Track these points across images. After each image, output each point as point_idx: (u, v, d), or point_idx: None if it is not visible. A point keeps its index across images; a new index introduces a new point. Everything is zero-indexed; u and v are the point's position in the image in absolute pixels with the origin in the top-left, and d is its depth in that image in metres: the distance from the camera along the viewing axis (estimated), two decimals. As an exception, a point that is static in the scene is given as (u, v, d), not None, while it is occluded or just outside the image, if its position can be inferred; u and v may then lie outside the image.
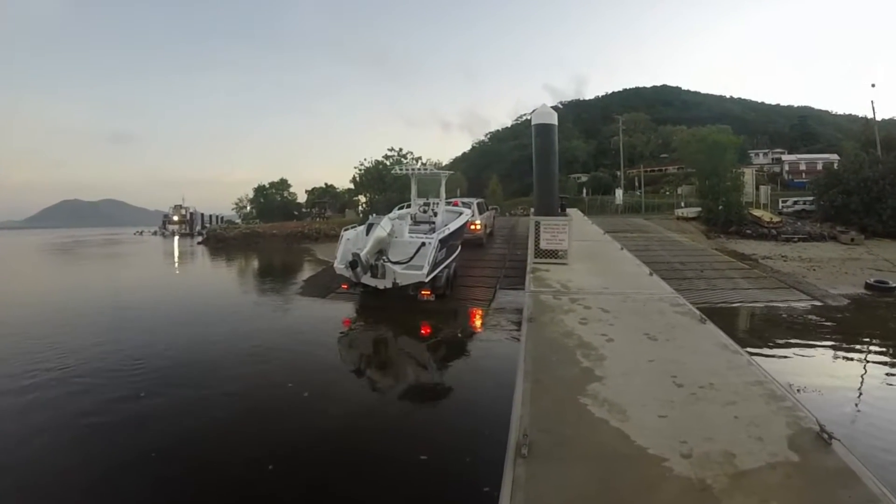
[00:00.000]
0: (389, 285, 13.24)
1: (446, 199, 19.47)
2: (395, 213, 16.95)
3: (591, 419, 3.84)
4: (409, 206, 18.46)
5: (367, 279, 13.24)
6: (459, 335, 11.99)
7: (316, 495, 5.55)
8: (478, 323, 13.05)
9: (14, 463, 6.11)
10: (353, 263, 12.57)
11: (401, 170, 19.81)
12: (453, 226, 15.93)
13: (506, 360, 8.70)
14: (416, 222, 16.88)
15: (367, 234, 13.54)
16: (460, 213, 18.16)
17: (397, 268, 13.27)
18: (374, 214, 14.57)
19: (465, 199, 23.83)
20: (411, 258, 13.56)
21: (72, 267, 35.28)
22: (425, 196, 19.41)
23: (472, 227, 20.74)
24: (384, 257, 13.39)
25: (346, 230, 14.89)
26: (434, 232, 14.91)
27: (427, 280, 13.24)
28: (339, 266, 13.59)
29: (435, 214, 17.52)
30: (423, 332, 12.04)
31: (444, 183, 18.35)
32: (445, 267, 14.92)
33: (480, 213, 22.76)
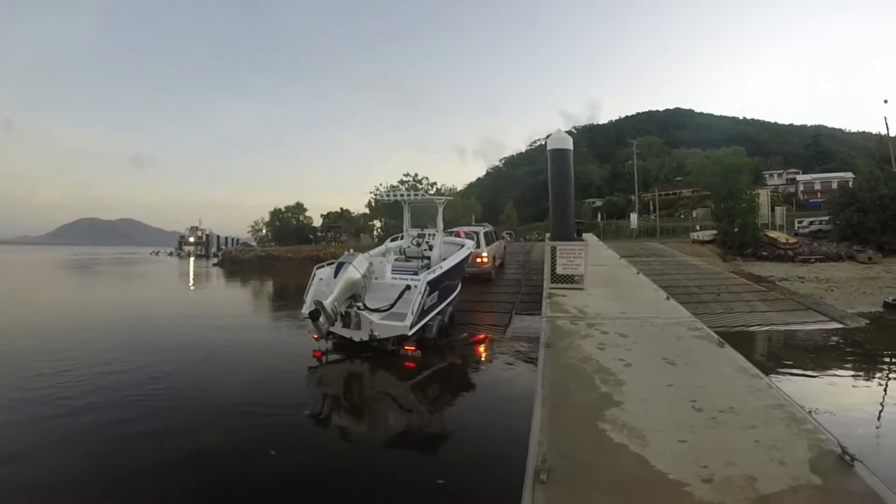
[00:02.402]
0: (366, 337, 10.83)
1: (452, 227, 18.93)
2: (383, 247, 15.27)
3: (609, 444, 3.84)
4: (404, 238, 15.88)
5: (339, 329, 10.95)
6: (475, 360, 11.87)
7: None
8: (493, 348, 12.62)
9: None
10: (315, 314, 10.00)
11: (388, 196, 16.28)
12: (449, 263, 13.31)
13: (523, 386, 8.69)
14: (407, 258, 14.75)
15: (336, 275, 10.93)
16: (462, 246, 15.43)
17: (374, 317, 10.94)
18: (352, 251, 12.23)
19: (470, 228, 21.27)
20: (393, 305, 11.26)
21: (94, 285, 35.76)
22: (423, 226, 16.14)
23: (479, 259, 18.69)
24: (359, 303, 11.03)
25: (319, 267, 12.32)
26: (429, 269, 12.93)
27: (411, 333, 10.87)
28: (306, 313, 10.66)
29: (430, 248, 14.88)
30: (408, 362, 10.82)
31: (441, 211, 15.24)
32: (438, 313, 12.52)
33: (488, 242, 20.36)
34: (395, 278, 12.54)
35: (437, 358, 11.27)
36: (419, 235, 15.42)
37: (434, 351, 11.53)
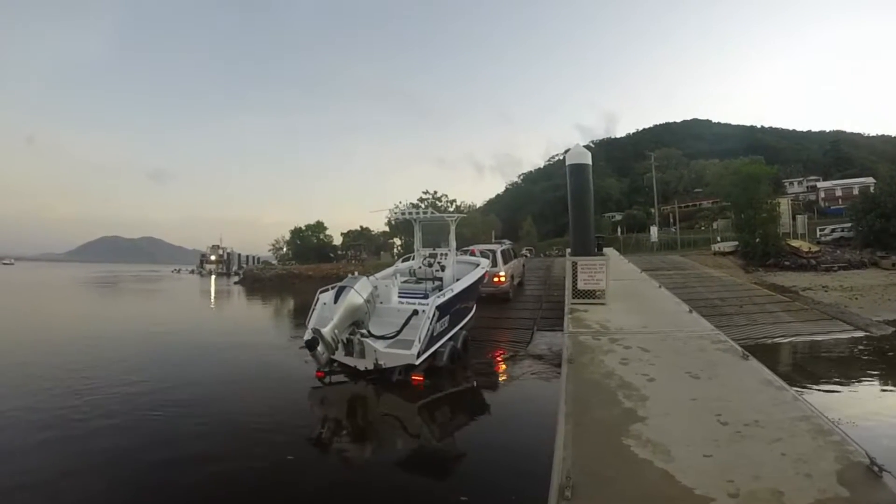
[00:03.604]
0: (371, 366, 10.13)
1: (472, 245, 18.44)
2: (392, 268, 14.69)
3: (634, 460, 3.83)
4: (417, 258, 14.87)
5: (342, 357, 10.33)
6: (496, 377, 11.80)
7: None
8: (514, 364, 12.44)
9: None
10: (312, 342, 9.29)
11: (399, 215, 15.24)
12: (461, 284, 12.60)
13: (545, 402, 8.65)
14: (417, 279, 13.81)
15: (336, 301, 10.13)
16: (476, 265, 14.59)
17: (379, 344, 10.23)
18: (355, 273, 11.50)
19: (486, 247, 20.31)
20: (399, 331, 10.60)
21: (118, 303, 36.33)
22: (438, 244, 15.10)
23: (497, 279, 18.23)
24: (362, 330, 10.35)
25: (322, 291, 11.38)
26: (441, 290, 12.28)
27: (419, 362, 10.14)
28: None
29: (442, 268, 13.89)
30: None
31: (453, 229, 14.28)
32: (450, 339, 11.86)
33: (506, 261, 19.56)
34: (402, 302, 11.89)
35: (454, 377, 11.06)
36: (431, 255, 14.56)
37: (451, 371, 11.26)
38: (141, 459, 7.33)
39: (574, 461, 3.77)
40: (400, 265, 15.00)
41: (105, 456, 7.48)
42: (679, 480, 3.48)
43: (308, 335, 9.61)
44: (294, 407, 9.89)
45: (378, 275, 12.98)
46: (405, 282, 13.54)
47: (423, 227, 14.99)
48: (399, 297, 12.30)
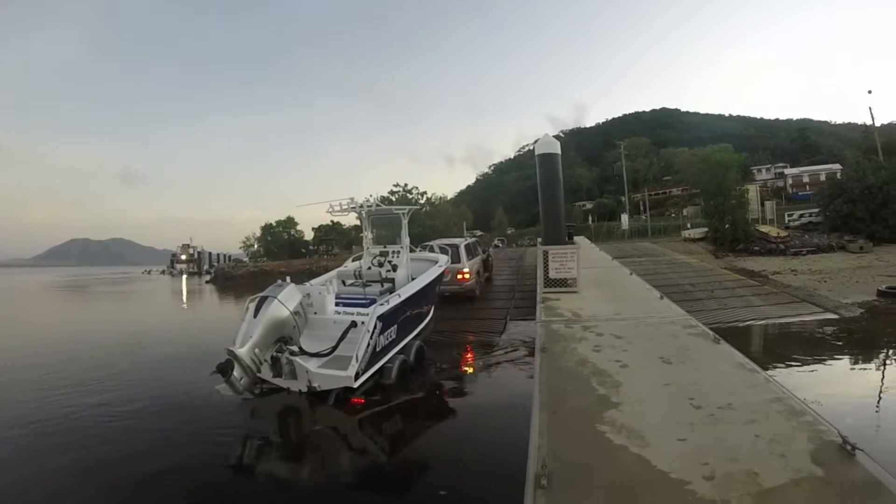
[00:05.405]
0: (304, 389, 8.41)
1: (445, 236, 17.82)
2: (334, 272, 12.70)
3: (609, 446, 3.83)
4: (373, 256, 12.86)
5: (270, 377, 8.53)
6: (470, 370, 11.68)
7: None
8: (488, 355, 12.19)
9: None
10: (225, 367, 7.46)
11: (338, 209, 12.23)
12: (410, 289, 10.93)
13: (520, 392, 8.62)
14: (364, 282, 11.41)
15: (256, 314, 8.36)
16: (435, 262, 13.01)
17: (311, 364, 8.49)
18: (287, 280, 9.51)
19: (446, 241, 18.33)
20: (335, 347, 8.89)
21: (88, 308, 35.40)
22: (389, 240, 13.12)
23: (461, 276, 16.84)
24: (292, 347, 8.57)
25: (252, 301, 8.85)
26: (393, 293, 10.54)
27: (357, 385, 8.42)
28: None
29: (394, 268, 12.05)
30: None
31: (405, 223, 12.50)
32: (400, 352, 10.14)
33: (471, 256, 17.99)
34: (339, 312, 10.20)
35: (411, 385, 9.95)
36: (381, 254, 12.66)
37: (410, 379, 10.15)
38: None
39: (549, 449, 3.76)
40: (348, 265, 13.15)
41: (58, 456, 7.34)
42: (655, 465, 3.48)
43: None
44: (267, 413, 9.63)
45: (314, 280, 11.62)
46: (352, 285, 11.74)
47: (380, 221, 13.30)
48: (338, 304, 10.65)
